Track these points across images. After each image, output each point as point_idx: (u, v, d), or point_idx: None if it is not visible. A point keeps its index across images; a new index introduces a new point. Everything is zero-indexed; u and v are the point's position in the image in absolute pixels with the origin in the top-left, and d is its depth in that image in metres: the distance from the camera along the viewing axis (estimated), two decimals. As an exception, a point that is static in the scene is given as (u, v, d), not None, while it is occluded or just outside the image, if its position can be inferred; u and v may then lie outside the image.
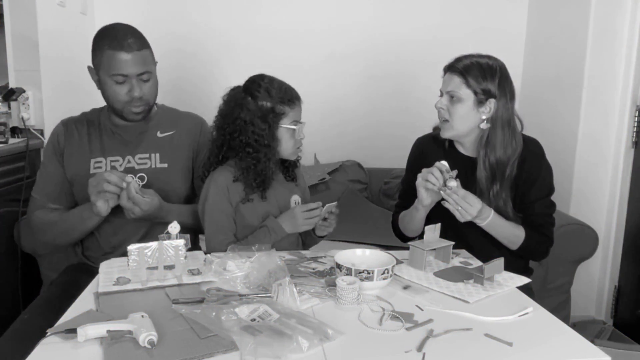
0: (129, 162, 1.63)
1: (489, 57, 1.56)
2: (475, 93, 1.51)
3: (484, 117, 1.53)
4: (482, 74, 1.51)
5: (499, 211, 1.55)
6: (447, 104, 1.55)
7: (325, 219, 1.57)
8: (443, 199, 1.48)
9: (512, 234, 1.56)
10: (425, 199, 1.53)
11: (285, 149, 1.53)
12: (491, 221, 1.51)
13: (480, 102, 1.52)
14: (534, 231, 1.57)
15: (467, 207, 1.45)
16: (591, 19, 2.40)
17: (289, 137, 1.52)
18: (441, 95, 1.58)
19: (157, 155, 1.65)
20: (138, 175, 1.57)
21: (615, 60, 2.41)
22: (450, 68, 1.56)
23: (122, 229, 1.63)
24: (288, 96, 1.50)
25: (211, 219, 1.53)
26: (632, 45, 2.36)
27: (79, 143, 1.66)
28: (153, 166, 1.63)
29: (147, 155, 1.64)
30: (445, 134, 1.59)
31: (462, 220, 1.48)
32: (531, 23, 2.98)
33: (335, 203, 1.57)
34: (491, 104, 1.52)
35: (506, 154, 1.54)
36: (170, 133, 1.69)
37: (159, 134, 1.68)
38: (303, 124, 1.55)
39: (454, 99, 1.53)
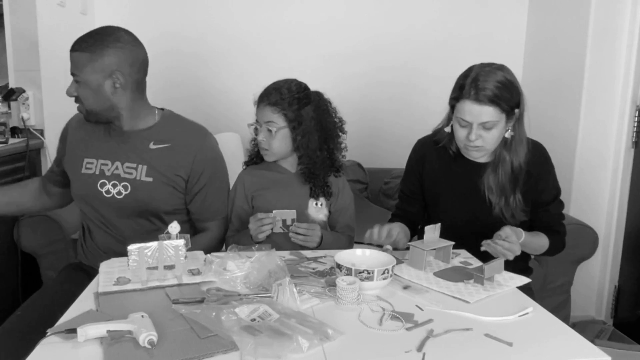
0: (117, 168, 1.57)
1: (499, 67, 1.49)
2: (507, 113, 1.47)
3: (509, 127, 1.52)
4: (509, 92, 1.46)
5: (517, 215, 1.55)
6: (481, 133, 1.48)
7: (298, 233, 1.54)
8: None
9: (539, 245, 1.57)
10: None
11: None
12: (522, 242, 1.47)
13: (509, 117, 1.49)
14: (553, 233, 1.59)
15: (513, 247, 1.39)
16: (591, 19, 2.40)
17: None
18: (465, 126, 1.49)
19: (145, 167, 1.57)
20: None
21: (615, 60, 2.41)
22: (476, 98, 1.44)
23: (115, 232, 1.63)
24: (259, 96, 1.59)
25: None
26: (632, 45, 2.36)
27: (81, 139, 1.63)
28: (138, 178, 1.56)
29: (135, 165, 1.56)
30: (477, 156, 1.56)
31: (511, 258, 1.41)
32: (531, 24, 2.98)
33: (293, 211, 1.55)
34: (516, 113, 1.50)
35: (525, 156, 1.54)
36: (165, 146, 1.58)
37: (151, 146, 1.58)
38: (255, 125, 1.59)
39: (487, 126, 1.47)
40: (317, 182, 1.62)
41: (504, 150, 1.54)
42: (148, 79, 1.61)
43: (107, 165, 1.58)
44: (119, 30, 1.52)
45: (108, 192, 1.57)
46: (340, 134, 1.64)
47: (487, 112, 1.44)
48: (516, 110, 1.50)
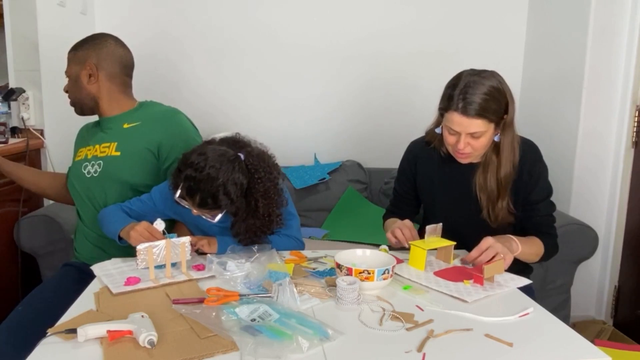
0: (96, 150, 1.68)
1: (486, 76, 1.46)
2: (496, 122, 1.46)
3: (498, 132, 1.50)
4: (497, 103, 1.43)
5: (502, 222, 1.54)
6: (469, 141, 1.47)
7: None
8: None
9: (535, 252, 1.55)
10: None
11: None
12: (519, 253, 1.47)
13: (498, 125, 1.48)
14: (544, 235, 1.57)
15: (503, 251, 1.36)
16: (591, 19, 2.39)
17: None
18: (453, 134, 1.48)
19: (115, 144, 1.66)
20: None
21: (615, 60, 2.41)
22: (464, 111, 1.42)
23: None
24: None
25: None
26: (632, 45, 2.36)
27: (82, 135, 1.81)
28: (109, 154, 1.66)
29: (108, 144, 1.67)
30: (465, 161, 1.55)
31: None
32: (531, 23, 2.98)
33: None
34: (504, 119, 1.49)
35: (514, 159, 1.52)
36: (135, 124, 1.67)
37: (125, 125, 1.68)
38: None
39: (476, 136, 1.45)
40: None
41: (493, 154, 1.53)
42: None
43: (90, 150, 1.70)
44: (106, 35, 1.71)
45: (88, 172, 1.66)
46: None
47: (475, 124, 1.43)
48: (505, 116, 1.48)
